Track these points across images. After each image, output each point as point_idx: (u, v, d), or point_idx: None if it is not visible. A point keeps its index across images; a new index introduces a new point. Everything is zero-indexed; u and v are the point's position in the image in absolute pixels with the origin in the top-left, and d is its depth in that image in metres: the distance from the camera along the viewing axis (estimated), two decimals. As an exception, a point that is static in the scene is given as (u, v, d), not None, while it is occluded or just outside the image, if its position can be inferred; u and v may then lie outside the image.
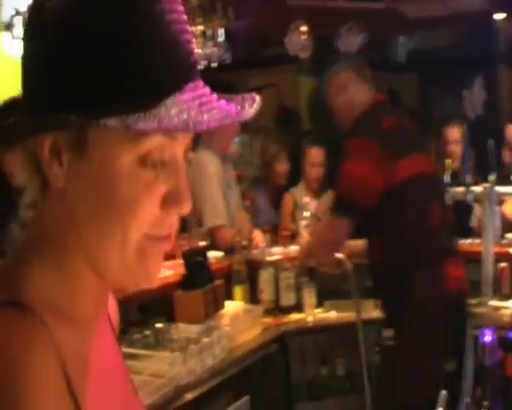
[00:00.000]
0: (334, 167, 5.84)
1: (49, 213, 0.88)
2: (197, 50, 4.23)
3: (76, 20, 0.81)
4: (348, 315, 3.77)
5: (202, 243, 3.94)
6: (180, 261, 3.57)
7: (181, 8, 0.85)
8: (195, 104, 0.81)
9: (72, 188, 0.84)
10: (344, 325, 3.75)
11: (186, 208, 0.86)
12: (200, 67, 4.38)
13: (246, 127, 5.41)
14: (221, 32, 4.29)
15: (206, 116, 0.81)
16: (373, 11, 4.49)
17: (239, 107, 0.86)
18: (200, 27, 4.28)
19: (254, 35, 7.28)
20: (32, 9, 0.86)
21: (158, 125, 0.78)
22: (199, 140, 4.89)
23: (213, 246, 4.10)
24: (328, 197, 5.06)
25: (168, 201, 0.85)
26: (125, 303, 3.27)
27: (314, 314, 3.88)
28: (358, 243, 3.64)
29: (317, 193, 5.03)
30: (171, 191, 0.85)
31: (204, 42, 4.25)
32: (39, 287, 0.85)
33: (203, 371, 2.96)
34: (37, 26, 0.84)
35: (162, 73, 0.82)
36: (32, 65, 0.85)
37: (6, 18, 3.69)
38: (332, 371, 3.83)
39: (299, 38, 4.52)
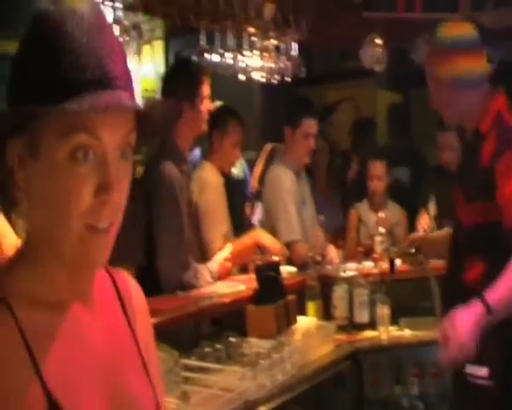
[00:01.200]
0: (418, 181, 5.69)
1: (29, 220, 1.11)
2: (270, 65, 4.27)
3: (20, 46, 1.07)
4: (423, 334, 3.68)
5: (276, 258, 3.92)
6: (253, 276, 3.57)
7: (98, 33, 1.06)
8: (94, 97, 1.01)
9: (33, 189, 1.06)
10: (419, 344, 3.66)
11: (113, 195, 1.04)
12: (274, 81, 4.41)
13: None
14: (294, 46, 4.28)
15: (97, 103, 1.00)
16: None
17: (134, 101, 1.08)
18: (274, 42, 4.28)
19: (332, 49, 7.25)
20: None
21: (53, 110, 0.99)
22: (274, 156, 4.91)
23: (287, 261, 4.08)
24: (394, 210, 4.99)
25: (98, 190, 1.03)
26: (198, 316, 3.33)
27: (388, 332, 3.80)
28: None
29: (379, 207, 4.95)
30: (101, 182, 1.03)
31: (277, 56, 4.24)
32: (17, 281, 1.08)
33: (273, 387, 2.93)
34: None
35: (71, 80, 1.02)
36: None
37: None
38: (406, 391, 3.73)
39: (374, 50, 4.46)
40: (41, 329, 1.07)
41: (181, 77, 3.61)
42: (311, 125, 4.44)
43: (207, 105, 3.64)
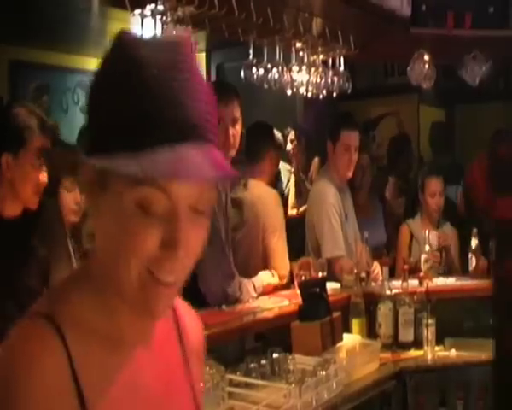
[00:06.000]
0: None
1: (95, 247, 1.06)
2: (317, 79, 4.25)
3: (92, 92, 1.03)
4: (469, 354, 3.63)
5: (320, 274, 3.89)
6: (297, 291, 3.56)
7: (190, 75, 1.00)
8: (174, 159, 0.93)
9: (99, 218, 1.02)
10: (465, 365, 3.61)
11: (179, 253, 0.97)
12: (320, 96, 4.39)
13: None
14: (342, 61, 4.26)
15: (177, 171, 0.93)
16: (499, 39, 4.34)
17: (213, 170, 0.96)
18: (321, 56, 4.27)
19: (376, 64, 7.23)
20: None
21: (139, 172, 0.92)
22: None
23: (332, 277, 4.05)
24: (446, 228, 4.92)
25: (164, 244, 0.97)
26: (241, 331, 3.32)
27: (434, 352, 3.75)
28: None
29: (435, 224, 4.88)
30: (167, 238, 0.97)
31: (324, 71, 4.23)
32: (73, 308, 1.03)
33: (318, 405, 2.90)
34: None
35: (150, 127, 0.95)
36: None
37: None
38: (451, 413, 3.69)
39: (422, 67, 4.43)
40: (92, 362, 1.02)
41: None
42: (350, 137, 4.43)
43: (233, 129, 3.52)
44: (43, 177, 2.77)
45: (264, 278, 3.84)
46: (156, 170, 0.92)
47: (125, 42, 1.00)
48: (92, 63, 6.84)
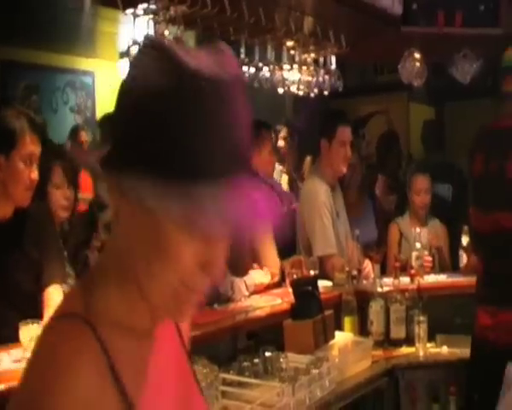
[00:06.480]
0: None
1: (117, 243, 1.06)
2: (308, 78, 4.26)
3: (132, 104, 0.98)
4: (460, 351, 3.64)
5: (312, 273, 3.90)
6: (289, 289, 3.56)
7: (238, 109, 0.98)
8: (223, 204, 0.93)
9: (135, 226, 1.00)
10: (457, 362, 3.63)
11: (214, 278, 1.02)
12: (312, 94, 4.41)
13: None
14: (333, 59, 4.27)
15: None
16: (489, 37, 4.36)
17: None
18: (312, 55, 4.28)
19: (367, 63, 7.24)
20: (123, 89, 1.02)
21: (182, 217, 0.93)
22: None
23: (323, 275, 4.06)
24: (435, 225, 4.94)
25: (204, 265, 1.00)
26: (234, 330, 3.32)
27: (425, 349, 3.77)
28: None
29: (423, 222, 4.90)
30: (207, 259, 1.00)
31: (316, 70, 4.24)
32: (101, 304, 1.04)
33: (311, 403, 2.91)
34: (125, 104, 1.01)
35: (200, 159, 0.95)
36: (118, 131, 1.01)
37: (123, 47, 3.87)
38: (444, 409, 3.70)
39: (413, 65, 4.45)
40: (123, 352, 1.03)
41: None
42: (345, 132, 4.44)
43: None
44: (35, 175, 2.80)
45: (256, 276, 3.85)
46: (201, 224, 0.93)
47: (177, 61, 0.96)
48: (82, 63, 6.84)
